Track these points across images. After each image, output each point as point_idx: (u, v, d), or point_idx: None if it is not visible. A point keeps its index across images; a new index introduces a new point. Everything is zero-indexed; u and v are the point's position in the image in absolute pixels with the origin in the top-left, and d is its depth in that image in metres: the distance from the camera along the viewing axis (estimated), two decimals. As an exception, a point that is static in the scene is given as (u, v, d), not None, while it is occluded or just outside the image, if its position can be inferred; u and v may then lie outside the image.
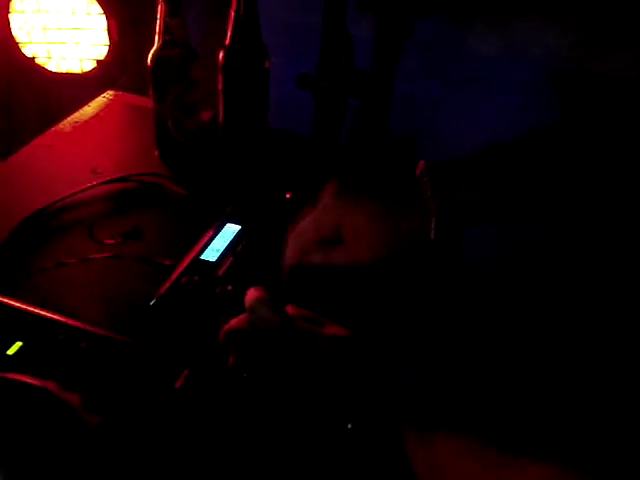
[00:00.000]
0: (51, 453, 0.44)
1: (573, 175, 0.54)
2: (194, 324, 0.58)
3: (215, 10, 0.90)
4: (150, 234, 0.75)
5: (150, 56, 0.80)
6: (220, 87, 0.83)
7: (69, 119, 0.98)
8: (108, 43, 1.27)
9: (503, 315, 0.93)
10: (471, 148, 0.55)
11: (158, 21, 0.77)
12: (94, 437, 0.46)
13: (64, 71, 1.31)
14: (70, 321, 0.57)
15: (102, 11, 1.23)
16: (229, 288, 0.62)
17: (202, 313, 0.59)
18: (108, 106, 1.03)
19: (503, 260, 1.13)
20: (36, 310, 0.58)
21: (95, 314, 0.61)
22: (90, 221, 0.76)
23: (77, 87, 1.27)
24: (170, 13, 0.76)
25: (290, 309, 0.53)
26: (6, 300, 0.59)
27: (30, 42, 1.27)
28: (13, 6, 1.22)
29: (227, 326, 0.52)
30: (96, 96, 1.05)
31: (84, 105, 1.02)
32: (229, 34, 0.79)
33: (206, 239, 0.69)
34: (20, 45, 1.27)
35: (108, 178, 0.82)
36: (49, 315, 0.58)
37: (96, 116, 1.00)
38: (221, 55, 0.80)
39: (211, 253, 0.67)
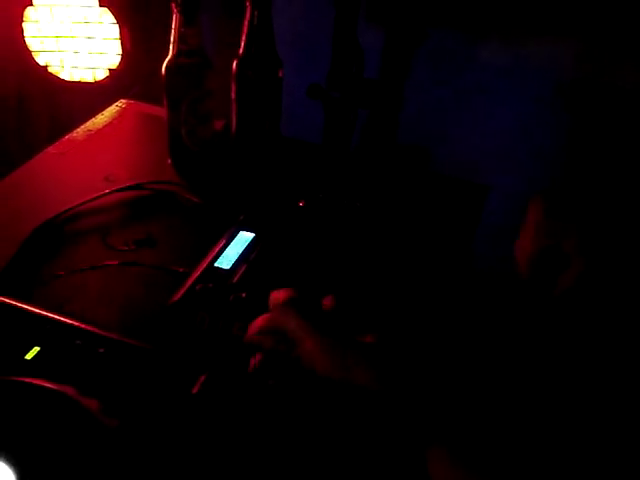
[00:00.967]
0: (69, 458, 0.44)
1: None
2: (208, 331, 0.59)
3: (228, 19, 0.90)
4: (163, 242, 0.75)
5: (165, 65, 0.80)
6: (233, 96, 0.83)
7: (82, 127, 0.99)
8: (121, 52, 1.28)
9: (510, 320, 0.93)
10: (482, 157, 0.55)
11: (173, 30, 0.78)
12: (112, 441, 0.46)
13: (77, 80, 1.32)
14: (88, 327, 0.57)
15: (115, 20, 1.24)
16: (243, 295, 0.62)
17: (216, 320, 0.60)
18: (121, 114, 1.04)
19: (508, 263, 1.13)
20: (54, 315, 0.59)
21: (111, 320, 0.62)
22: (104, 229, 0.77)
23: (89, 96, 1.28)
24: (185, 22, 0.77)
25: (327, 301, 0.53)
26: (24, 306, 0.60)
27: (43, 50, 1.28)
28: (27, 15, 1.24)
29: (252, 329, 0.52)
30: (109, 105, 1.07)
31: (97, 114, 1.03)
32: (243, 43, 0.79)
33: (220, 247, 0.69)
34: (33, 54, 1.28)
35: (121, 186, 0.83)
36: (67, 320, 0.58)
37: (109, 124, 1.01)
38: (235, 64, 0.81)
39: (225, 261, 0.68)
